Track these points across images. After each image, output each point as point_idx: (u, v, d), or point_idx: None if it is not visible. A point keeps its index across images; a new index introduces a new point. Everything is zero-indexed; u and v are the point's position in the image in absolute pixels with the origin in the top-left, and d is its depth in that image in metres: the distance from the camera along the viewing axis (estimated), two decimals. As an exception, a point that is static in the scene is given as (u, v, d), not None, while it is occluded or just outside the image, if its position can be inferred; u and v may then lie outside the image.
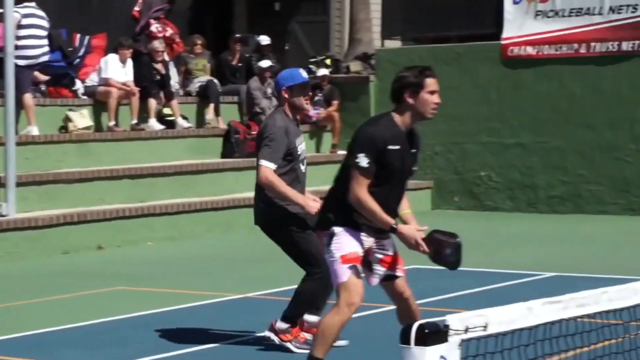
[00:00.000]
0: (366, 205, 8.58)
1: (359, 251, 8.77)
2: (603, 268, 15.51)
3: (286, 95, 10.98)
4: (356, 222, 8.73)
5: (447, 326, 4.63)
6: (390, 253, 9.01)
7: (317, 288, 10.57)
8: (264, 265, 16.26)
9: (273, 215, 10.79)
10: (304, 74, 11.32)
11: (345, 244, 8.74)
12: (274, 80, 11.42)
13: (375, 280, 9.00)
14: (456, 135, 23.92)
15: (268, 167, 10.55)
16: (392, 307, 9.26)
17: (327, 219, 8.93)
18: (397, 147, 8.63)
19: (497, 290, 13.92)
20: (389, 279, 9.03)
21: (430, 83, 8.80)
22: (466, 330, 4.71)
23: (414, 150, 8.93)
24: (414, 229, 8.75)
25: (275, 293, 13.71)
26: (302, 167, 11.09)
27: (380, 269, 8.96)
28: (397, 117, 8.76)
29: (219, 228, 20.36)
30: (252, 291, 14.11)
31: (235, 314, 12.89)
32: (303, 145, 11.10)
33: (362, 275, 8.84)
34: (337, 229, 8.76)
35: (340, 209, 8.82)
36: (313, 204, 10.62)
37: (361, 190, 8.57)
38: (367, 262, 8.90)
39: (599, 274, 14.79)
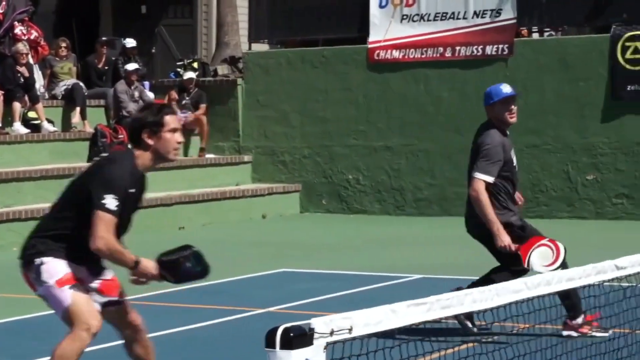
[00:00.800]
0: (116, 252, 7.83)
1: (70, 271, 7.94)
2: (468, 270, 15.66)
3: (491, 112, 10.88)
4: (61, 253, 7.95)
5: (312, 329, 4.66)
6: (108, 278, 8.18)
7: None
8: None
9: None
10: (505, 88, 11.02)
11: (55, 269, 7.91)
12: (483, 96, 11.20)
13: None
14: (324, 138, 23.98)
15: (483, 179, 10.38)
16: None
17: (29, 254, 8.08)
18: (134, 190, 7.94)
19: (364, 293, 13.97)
20: (110, 306, 8.12)
21: (170, 121, 7.97)
22: (331, 333, 4.74)
23: (141, 196, 8.25)
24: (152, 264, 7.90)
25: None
26: (517, 180, 10.84)
27: (98, 298, 8.05)
28: (138, 159, 7.93)
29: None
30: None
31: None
32: (515, 157, 10.92)
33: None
34: (41, 259, 7.96)
35: (48, 241, 8.03)
36: (505, 239, 10.30)
37: (111, 236, 7.77)
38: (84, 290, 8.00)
39: (464, 275, 14.92)
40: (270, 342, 4.58)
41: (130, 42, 25.48)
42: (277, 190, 24.34)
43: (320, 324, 4.70)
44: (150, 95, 24.57)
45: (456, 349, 6.38)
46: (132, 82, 23.88)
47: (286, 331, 4.59)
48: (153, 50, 29.41)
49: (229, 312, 12.87)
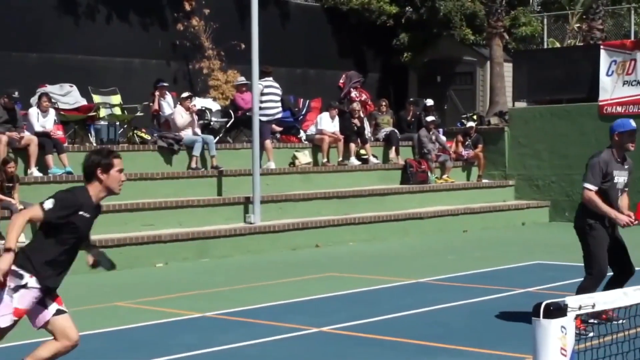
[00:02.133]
0: (18, 225, 6.88)
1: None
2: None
3: (617, 138, 10.02)
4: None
5: (566, 305, 4.59)
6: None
7: (587, 285, 9.77)
8: (434, 258, 16.27)
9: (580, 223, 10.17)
10: (633, 123, 10.12)
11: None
12: (610, 125, 10.24)
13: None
14: (566, 169, 23.52)
15: (589, 188, 9.84)
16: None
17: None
18: (87, 215, 7.12)
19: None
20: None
21: (118, 163, 7.24)
22: (579, 308, 4.66)
23: (95, 218, 7.30)
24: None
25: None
26: (617, 192, 10.00)
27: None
28: (91, 191, 7.17)
29: (399, 234, 20.37)
30: (425, 277, 14.13)
31: (410, 294, 12.91)
32: (622, 177, 10.03)
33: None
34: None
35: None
36: (623, 217, 9.77)
37: (27, 215, 7.00)
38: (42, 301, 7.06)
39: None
40: (536, 313, 4.52)
41: (429, 102, 25.53)
42: (532, 205, 23.97)
43: (572, 301, 4.62)
44: (443, 138, 24.58)
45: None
46: (430, 129, 23.95)
47: (547, 305, 4.53)
48: (445, 107, 29.40)
49: (499, 291, 12.76)
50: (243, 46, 21.58)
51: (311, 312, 11.34)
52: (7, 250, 6.79)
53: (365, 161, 22.87)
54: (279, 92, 21.11)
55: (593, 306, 4.77)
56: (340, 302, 12.12)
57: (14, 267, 6.87)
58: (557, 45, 29.66)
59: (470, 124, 25.35)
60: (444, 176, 23.71)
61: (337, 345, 9.55)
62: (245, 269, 15.52)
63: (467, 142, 24.80)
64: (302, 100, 24.28)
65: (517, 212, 23.52)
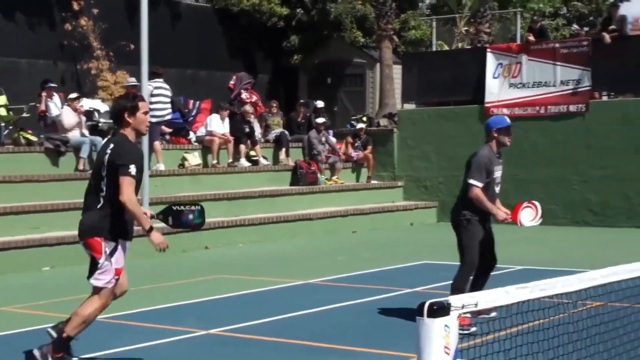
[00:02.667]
0: (138, 210, 7.73)
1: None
2: (556, 263, 15.44)
3: (495, 135, 10.32)
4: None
5: (449, 304, 4.64)
6: None
7: (459, 275, 10.24)
8: (324, 259, 16.29)
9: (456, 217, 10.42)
10: (507, 119, 10.64)
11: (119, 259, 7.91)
12: (485, 123, 10.70)
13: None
14: (453, 170, 23.85)
15: (476, 185, 10.08)
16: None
17: (100, 229, 7.82)
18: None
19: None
20: None
21: (143, 105, 7.84)
22: (462, 307, 4.72)
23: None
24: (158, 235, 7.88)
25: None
26: (496, 187, 10.33)
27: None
28: (128, 135, 7.79)
29: (289, 235, 20.38)
30: (315, 278, 14.16)
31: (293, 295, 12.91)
32: (499, 172, 10.36)
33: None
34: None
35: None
36: (502, 214, 10.11)
37: (133, 194, 7.68)
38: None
39: (554, 267, 14.70)
40: (419, 312, 4.56)
41: (320, 103, 25.65)
42: (420, 206, 24.26)
43: (455, 300, 4.67)
44: (333, 139, 24.71)
45: (550, 318, 6.29)
46: (320, 130, 24.05)
47: (431, 305, 4.57)
48: (335, 109, 29.56)
49: (388, 291, 12.86)
50: (132, 47, 21.35)
51: (199, 315, 11.25)
52: (150, 229, 7.69)
53: (255, 162, 22.86)
54: (168, 93, 20.95)
55: (476, 305, 4.83)
56: (230, 304, 12.07)
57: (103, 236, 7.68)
58: (446, 48, 30.06)
59: (360, 125, 25.56)
60: (334, 177, 23.84)
61: (224, 347, 9.49)
62: (134, 272, 15.28)
63: (356, 144, 25.00)
64: (192, 101, 24.18)
65: (405, 213, 23.76)
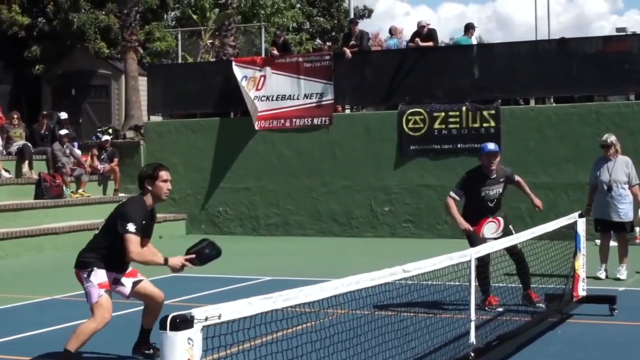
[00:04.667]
0: (148, 258, 8.49)
1: (106, 279, 8.67)
2: (303, 273, 15.71)
3: (479, 159, 11.55)
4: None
5: (192, 317, 4.64)
6: (129, 270, 8.95)
7: None
8: (70, 274, 15.92)
9: None
10: (490, 146, 11.61)
11: (99, 276, 8.62)
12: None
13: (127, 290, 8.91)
14: (202, 182, 23.98)
15: (451, 195, 11.36)
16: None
17: (83, 262, 8.76)
18: (145, 222, 8.61)
19: (231, 291, 13.91)
20: (137, 284, 8.92)
21: (163, 174, 8.64)
22: (206, 319, 4.73)
23: (153, 222, 8.96)
24: (178, 258, 8.59)
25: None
26: (489, 204, 11.47)
27: (128, 281, 8.88)
28: (146, 200, 8.67)
29: (34, 250, 19.85)
30: (62, 293, 13.82)
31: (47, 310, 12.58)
32: (490, 192, 11.45)
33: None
34: (93, 268, 8.63)
35: (95, 255, 8.71)
36: (462, 225, 11.24)
37: (138, 247, 8.45)
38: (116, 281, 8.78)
39: (301, 277, 14.95)
40: (162, 326, 4.55)
41: (63, 115, 25.13)
42: (169, 218, 24.13)
43: (199, 312, 4.68)
44: (78, 152, 24.25)
45: (294, 328, 6.39)
46: (64, 142, 23.53)
47: (174, 318, 4.57)
48: (80, 120, 29.06)
49: (131, 305, 12.68)
50: None
51: None
52: (166, 260, 8.46)
53: (-4, 176, 22.10)
54: None
55: (219, 317, 4.86)
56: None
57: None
58: (190, 60, 30.09)
59: (106, 137, 25.21)
60: (80, 190, 23.37)
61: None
62: None
63: (102, 156, 24.61)
64: None
65: (155, 225, 23.52)
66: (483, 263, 10.76)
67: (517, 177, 11.92)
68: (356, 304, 6.81)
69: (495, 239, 10.87)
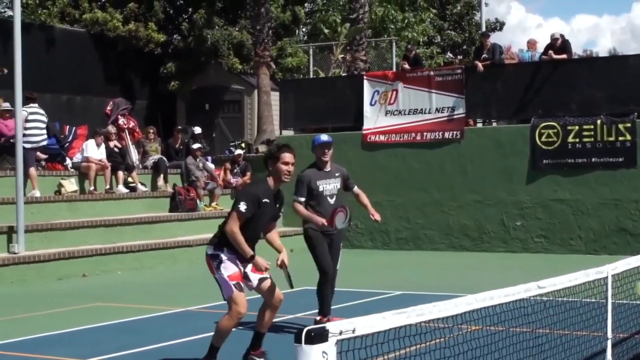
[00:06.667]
0: (237, 239, 8.45)
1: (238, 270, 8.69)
2: (435, 288, 15.60)
3: (313, 152, 11.61)
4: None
5: (327, 330, 4.63)
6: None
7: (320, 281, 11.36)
8: (203, 286, 16.16)
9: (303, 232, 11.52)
10: (324, 137, 11.70)
11: (230, 266, 8.64)
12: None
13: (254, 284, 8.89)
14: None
15: (297, 199, 11.17)
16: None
17: (213, 247, 8.84)
18: (268, 200, 8.64)
19: (359, 305, 13.89)
20: (263, 281, 8.91)
21: (284, 156, 8.69)
22: (340, 333, 4.72)
23: (278, 205, 8.93)
24: (264, 261, 8.60)
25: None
26: (330, 200, 11.38)
27: (254, 276, 8.83)
28: (269, 180, 8.71)
29: (168, 262, 20.22)
30: (194, 305, 14.01)
31: (181, 322, 12.77)
32: (328, 185, 11.43)
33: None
34: (223, 255, 8.65)
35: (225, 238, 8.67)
36: (318, 220, 11.03)
37: (237, 227, 8.45)
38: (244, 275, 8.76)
39: (432, 292, 14.85)
40: (298, 339, 4.54)
41: (197, 129, 25.54)
42: (300, 232, 24.15)
43: (333, 326, 4.67)
44: (211, 166, 24.61)
45: (427, 343, 6.33)
46: (197, 156, 23.92)
47: (309, 331, 4.56)
48: (214, 135, 29.48)
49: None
50: (6, 71, 20.96)
51: (77, 343, 11.02)
52: (252, 257, 8.47)
53: (133, 189, 22.59)
54: (44, 118, 20.55)
55: (353, 331, 4.84)
56: (108, 332, 11.84)
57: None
58: (322, 74, 30.26)
59: (238, 151, 25.51)
60: (213, 204, 23.70)
61: (102, 377, 9.32)
62: (9, 301, 14.98)
63: (235, 170, 24.92)
64: (67, 127, 23.78)
65: (285, 239, 23.52)
66: (327, 278, 11.19)
67: (355, 187, 12.10)
68: (490, 320, 6.72)
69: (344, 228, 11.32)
